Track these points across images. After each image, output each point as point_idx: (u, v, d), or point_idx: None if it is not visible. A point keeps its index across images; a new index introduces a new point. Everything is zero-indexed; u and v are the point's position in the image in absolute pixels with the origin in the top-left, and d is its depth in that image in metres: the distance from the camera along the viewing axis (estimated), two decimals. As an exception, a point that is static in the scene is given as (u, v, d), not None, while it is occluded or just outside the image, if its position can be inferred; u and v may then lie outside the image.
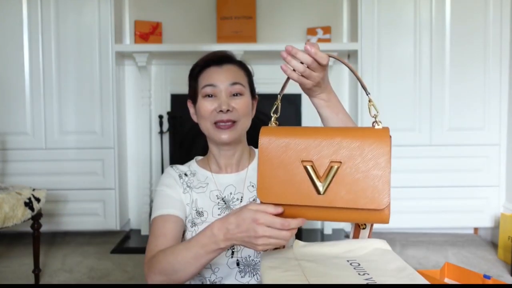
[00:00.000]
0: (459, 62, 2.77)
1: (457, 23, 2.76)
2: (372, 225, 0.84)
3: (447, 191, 2.80)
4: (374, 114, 0.81)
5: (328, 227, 3.01)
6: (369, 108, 0.82)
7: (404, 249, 2.64)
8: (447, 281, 2.00)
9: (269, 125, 0.86)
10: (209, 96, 1.07)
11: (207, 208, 1.09)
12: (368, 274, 0.73)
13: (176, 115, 3.01)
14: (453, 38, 2.76)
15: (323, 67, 0.83)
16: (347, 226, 3.08)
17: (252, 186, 1.12)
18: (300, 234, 2.91)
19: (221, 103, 1.04)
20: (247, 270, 1.06)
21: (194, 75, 1.12)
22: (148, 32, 2.96)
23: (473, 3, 2.75)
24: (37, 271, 2.17)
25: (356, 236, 0.85)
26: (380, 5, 2.77)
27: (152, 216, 1.07)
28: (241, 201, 1.10)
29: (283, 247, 0.85)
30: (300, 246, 0.85)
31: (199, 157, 1.21)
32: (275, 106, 0.87)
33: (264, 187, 0.78)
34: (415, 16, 2.77)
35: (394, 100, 2.78)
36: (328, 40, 2.95)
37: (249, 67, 1.15)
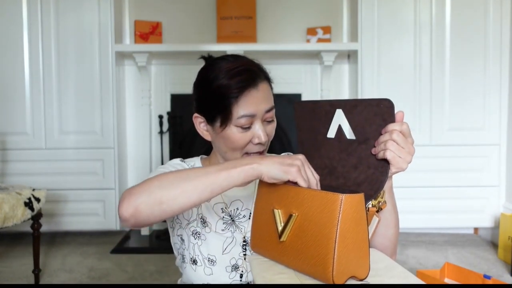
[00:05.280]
0: (459, 62, 2.77)
1: (457, 23, 2.76)
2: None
3: (447, 191, 2.80)
4: None
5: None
6: None
7: (404, 249, 2.64)
8: (447, 281, 2.01)
9: None
10: (245, 127, 0.91)
11: (211, 219, 0.98)
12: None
13: (176, 115, 3.01)
14: (453, 38, 2.76)
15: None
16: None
17: None
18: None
19: (260, 135, 0.91)
20: None
21: (229, 100, 0.89)
22: (148, 32, 2.95)
23: (473, 3, 2.75)
24: (37, 271, 2.17)
25: None
26: (380, 5, 2.77)
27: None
28: (248, 218, 0.98)
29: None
30: None
31: (204, 156, 1.09)
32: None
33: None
34: (415, 16, 2.77)
35: (394, 100, 2.72)
36: (328, 40, 2.95)
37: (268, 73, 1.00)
